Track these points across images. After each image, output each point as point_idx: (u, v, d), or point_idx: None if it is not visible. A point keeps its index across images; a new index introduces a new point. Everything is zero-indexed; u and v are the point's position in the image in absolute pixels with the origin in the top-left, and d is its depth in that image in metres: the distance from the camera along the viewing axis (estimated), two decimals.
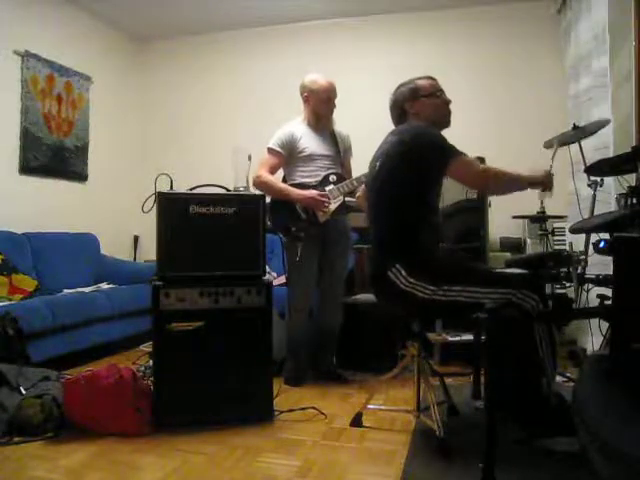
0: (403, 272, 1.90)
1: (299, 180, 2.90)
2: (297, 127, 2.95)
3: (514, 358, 1.85)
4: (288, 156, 2.91)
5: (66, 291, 3.57)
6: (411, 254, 1.94)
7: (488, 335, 1.76)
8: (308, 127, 2.96)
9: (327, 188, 2.85)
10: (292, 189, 2.84)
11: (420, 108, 2.11)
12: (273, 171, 2.91)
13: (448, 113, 2.16)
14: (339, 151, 2.97)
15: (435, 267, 1.93)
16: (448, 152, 1.97)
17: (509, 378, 1.84)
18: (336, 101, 2.97)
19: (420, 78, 2.16)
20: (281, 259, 2.81)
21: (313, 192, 2.81)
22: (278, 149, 2.89)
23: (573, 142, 2.80)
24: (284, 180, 2.98)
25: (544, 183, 2.05)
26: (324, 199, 2.80)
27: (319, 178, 2.88)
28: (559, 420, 1.81)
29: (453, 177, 2.02)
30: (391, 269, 1.92)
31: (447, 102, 2.16)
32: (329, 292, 2.98)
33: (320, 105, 2.91)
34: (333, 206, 2.83)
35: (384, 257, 1.98)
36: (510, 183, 2.06)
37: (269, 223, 2.78)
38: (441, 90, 2.16)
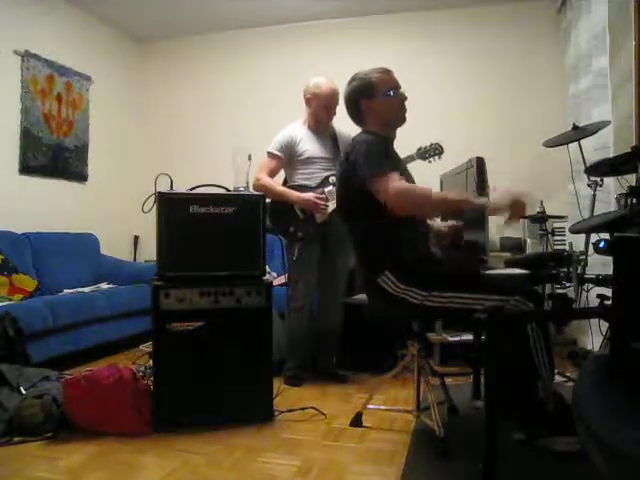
0: (392, 278, 1.89)
1: (299, 182, 2.92)
2: (297, 130, 2.97)
3: (509, 360, 1.84)
4: (288, 159, 2.93)
5: (66, 291, 3.57)
6: (397, 260, 1.92)
7: (486, 336, 1.76)
8: (308, 129, 2.97)
9: (326, 189, 2.86)
10: (290, 191, 2.86)
11: (375, 107, 2.05)
12: (272, 174, 2.93)
13: (403, 111, 2.10)
14: (339, 153, 2.97)
15: (424, 273, 1.91)
16: (368, 169, 1.88)
17: (506, 379, 1.84)
18: (338, 108, 2.96)
19: (375, 71, 2.09)
20: (281, 259, 2.81)
21: (310, 194, 2.83)
22: (277, 153, 2.91)
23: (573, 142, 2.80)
24: (285, 182, 2.99)
25: (498, 210, 1.86)
26: (321, 200, 2.81)
27: (319, 180, 2.89)
28: (558, 420, 1.81)
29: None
30: (380, 276, 1.91)
31: (403, 99, 2.09)
32: (329, 292, 2.98)
33: (320, 110, 2.92)
34: (331, 207, 2.83)
35: (371, 263, 1.97)
36: (431, 205, 1.92)
37: (268, 223, 2.79)
38: (397, 86, 2.09)
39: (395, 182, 1.85)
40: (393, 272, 1.90)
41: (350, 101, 2.11)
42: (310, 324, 2.96)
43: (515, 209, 1.85)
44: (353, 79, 2.11)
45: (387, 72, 2.10)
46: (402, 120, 2.11)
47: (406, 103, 2.10)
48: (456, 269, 2.05)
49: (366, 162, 1.91)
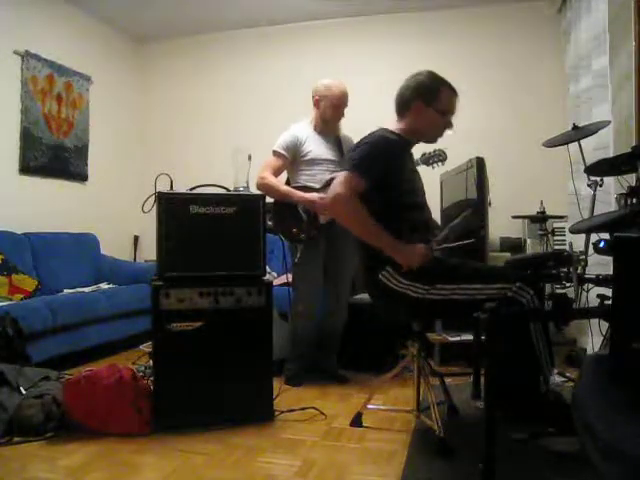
0: (394, 273, 1.90)
1: (303, 183, 2.91)
2: (302, 130, 2.96)
3: (511, 357, 1.85)
4: (292, 159, 2.92)
5: (66, 291, 3.57)
6: None
7: (486, 334, 1.76)
8: (314, 130, 2.97)
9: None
10: (294, 191, 2.85)
11: (424, 115, 2.04)
12: (277, 173, 2.92)
13: (441, 134, 2.12)
14: (343, 155, 2.96)
15: (426, 266, 1.91)
16: (348, 165, 1.97)
17: (507, 377, 1.84)
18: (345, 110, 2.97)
19: (449, 86, 2.06)
20: (282, 259, 2.81)
21: (315, 195, 2.81)
22: (282, 152, 2.91)
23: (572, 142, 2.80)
24: (287, 182, 2.99)
25: (403, 261, 1.89)
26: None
27: (323, 181, 2.88)
28: (558, 419, 1.81)
29: None
30: (382, 272, 1.92)
31: (449, 126, 2.10)
32: (334, 293, 2.97)
33: (329, 110, 2.92)
34: None
35: (372, 259, 1.96)
36: (363, 232, 1.95)
37: (269, 223, 2.78)
38: (453, 113, 2.09)
39: (349, 191, 1.88)
40: (395, 267, 1.90)
41: (407, 93, 2.07)
42: (314, 325, 2.95)
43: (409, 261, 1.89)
44: (428, 74, 2.07)
45: (456, 94, 2.08)
46: (434, 140, 2.15)
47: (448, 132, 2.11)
48: (457, 261, 2.06)
49: (356, 158, 1.97)
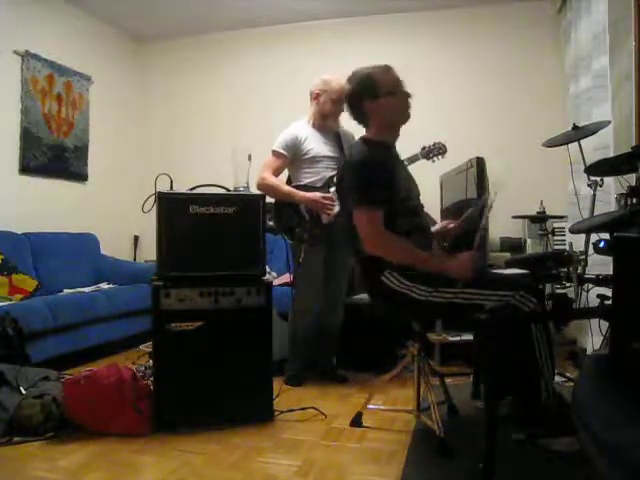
0: (396, 275, 1.89)
1: (304, 182, 2.90)
2: (301, 129, 2.95)
3: (512, 359, 1.84)
4: (292, 158, 2.91)
5: (66, 291, 3.57)
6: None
7: (487, 335, 1.76)
8: (312, 128, 2.95)
9: (332, 189, 2.83)
10: (296, 191, 2.84)
11: (380, 108, 2.01)
12: (277, 173, 2.91)
13: (408, 109, 2.06)
14: (343, 151, 2.96)
15: (429, 271, 1.90)
16: (356, 198, 1.93)
17: (507, 379, 1.84)
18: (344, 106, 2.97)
19: (376, 69, 2.03)
20: (284, 259, 2.80)
21: (317, 194, 2.81)
22: (282, 151, 2.89)
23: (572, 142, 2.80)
24: (289, 181, 2.98)
25: (457, 275, 1.85)
26: (328, 201, 2.79)
27: (324, 180, 2.88)
28: (559, 420, 1.81)
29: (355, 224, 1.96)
30: (384, 273, 1.91)
31: (407, 96, 2.05)
32: (332, 293, 2.97)
33: (328, 105, 2.88)
34: (337, 207, 2.81)
35: (373, 262, 1.95)
36: (409, 259, 1.90)
37: (270, 223, 2.78)
38: (401, 84, 2.05)
39: (374, 226, 1.89)
40: (397, 270, 1.90)
41: (353, 102, 2.07)
42: (313, 325, 2.95)
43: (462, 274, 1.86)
44: (353, 78, 2.06)
45: (388, 69, 2.05)
46: (407, 118, 2.07)
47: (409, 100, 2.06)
48: None
49: (355, 189, 1.95)
